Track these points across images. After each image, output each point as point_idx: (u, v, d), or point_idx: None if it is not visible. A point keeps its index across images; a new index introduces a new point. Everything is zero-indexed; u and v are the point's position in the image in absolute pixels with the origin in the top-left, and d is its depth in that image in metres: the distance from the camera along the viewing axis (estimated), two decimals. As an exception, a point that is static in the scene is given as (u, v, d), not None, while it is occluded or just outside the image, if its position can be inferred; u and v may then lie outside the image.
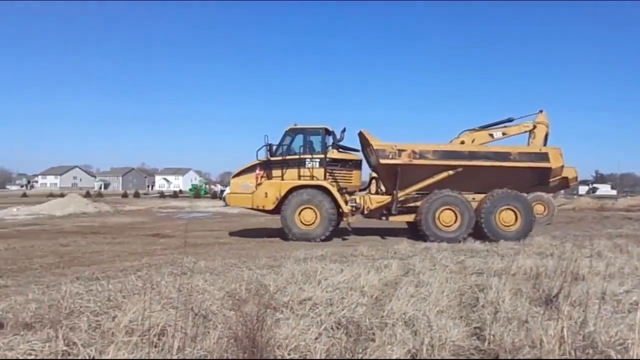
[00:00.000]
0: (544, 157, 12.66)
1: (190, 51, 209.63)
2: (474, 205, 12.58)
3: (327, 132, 13.09)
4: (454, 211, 12.32)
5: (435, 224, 12.23)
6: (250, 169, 13.07)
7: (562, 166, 13.18)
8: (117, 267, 7.87)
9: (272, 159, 12.83)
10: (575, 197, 51.79)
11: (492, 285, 5.76)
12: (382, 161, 12.35)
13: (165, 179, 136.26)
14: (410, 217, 13.03)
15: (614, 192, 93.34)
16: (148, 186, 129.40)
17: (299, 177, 12.75)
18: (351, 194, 13.37)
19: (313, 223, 12.42)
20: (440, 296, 5.21)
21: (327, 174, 12.85)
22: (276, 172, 12.82)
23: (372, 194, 13.84)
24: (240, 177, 13.34)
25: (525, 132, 20.36)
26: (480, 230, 12.33)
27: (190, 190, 61.29)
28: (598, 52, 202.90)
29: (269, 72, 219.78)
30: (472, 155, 12.53)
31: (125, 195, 56.46)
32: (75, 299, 5.02)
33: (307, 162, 12.78)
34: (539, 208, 19.55)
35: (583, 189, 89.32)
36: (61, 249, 10.27)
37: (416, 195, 13.01)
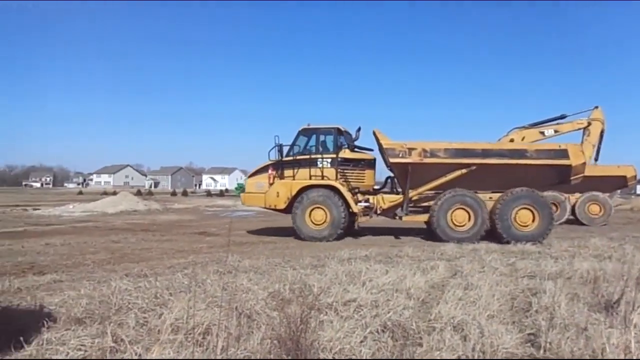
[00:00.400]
0: (564, 153, 12.02)
1: (237, 52, 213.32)
2: (490, 204, 12.17)
3: (340, 131, 13.04)
4: (467, 211, 11.98)
5: (447, 224, 11.95)
6: (264, 169, 13.20)
7: (584, 163, 12.50)
8: (165, 264, 8.03)
9: (284, 159, 12.87)
10: (633, 196, 49.16)
11: (546, 290, 5.47)
12: (392, 160, 12.18)
13: (211, 178, 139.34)
14: (424, 217, 12.76)
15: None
16: (195, 185, 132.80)
17: (310, 176, 12.72)
18: (364, 193, 13.23)
19: (323, 223, 12.39)
20: (490, 300, 4.99)
21: (339, 173, 12.75)
22: (288, 172, 12.87)
23: (385, 193, 13.60)
24: (254, 177, 13.53)
25: (579, 129, 19.57)
26: (494, 230, 11.96)
27: (236, 189, 62.26)
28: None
29: (314, 72, 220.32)
30: (486, 153, 12.07)
31: (174, 194, 58.15)
32: (124, 295, 5.13)
33: (318, 162, 12.74)
34: (594, 208, 18.67)
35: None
36: (112, 246, 10.61)
37: (430, 195, 12.70)
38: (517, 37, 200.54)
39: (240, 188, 62.59)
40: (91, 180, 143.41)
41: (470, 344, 3.72)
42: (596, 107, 19.55)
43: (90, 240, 11.40)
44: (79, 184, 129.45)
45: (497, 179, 12.26)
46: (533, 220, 11.87)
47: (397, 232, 14.07)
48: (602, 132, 19.39)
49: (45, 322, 4.06)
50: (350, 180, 12.91)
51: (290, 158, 12.87)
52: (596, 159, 19.46)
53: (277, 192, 12.73)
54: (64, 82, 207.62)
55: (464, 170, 12.04)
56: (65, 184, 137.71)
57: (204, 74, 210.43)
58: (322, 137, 13.08)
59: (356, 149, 13.47)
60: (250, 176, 13.95)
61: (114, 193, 36.05)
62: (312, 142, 13.01)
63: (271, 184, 12.93)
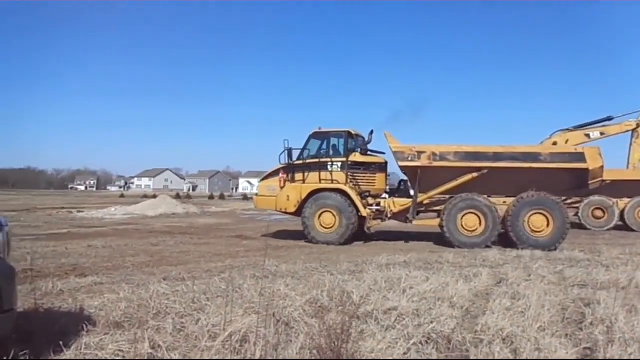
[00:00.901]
0: (580, 157, 11.50)
1: (280, 56, 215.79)
2: (504, 209, 11.77)
3: (350, 135, 12.93)
4: (477, 215, 11.62)
5: (457, 229, 11.63)
6: (276, 173, 13.30)
7: (602, 167, 11.92)
8: (203, 268, 8.05)
9: (295, 162, 12.89)
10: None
11: (600, 300, 5.15)
12: (401, 164, 12.03)
13: (248, 182, 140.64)
14: (434, 222, 12.48)
15: None
16: (232, 189, 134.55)
17: (320, 180, 12.68)
18: (375, 197, 13.07)
19: (333, 226, 12.30)
20: (540, 310, 4.70)
21: (349, 177, 12.66)
22: (299, 176, 12.92)
23: (397, 197, 13.35)
24: (267, 180, 13.66)
25: (627, 131, 18.72)
26: (507, 235, 11.56)
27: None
28: None
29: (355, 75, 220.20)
30: (498, 157, 11.68)
31: (211, 197, 59.04)
32: (162, 300, 5.12)
33: (328, 166, 12.68)
34: (643, 213, 17.74)
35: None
36: (151, 249, 10.75)
37: (442, 199, 12.41)
38: (533, 36, 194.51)
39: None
40: (132, 183, 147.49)
41: (521, 357, 3.49)
42: (646, 108, 18.65)
43: (130, 243, 11.59)
44: (120, 187, 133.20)
45: (511, 183, 11.94)
46: (547, 226, 11.42)
47: (409, 237, 13.78)
48: (653, 133, 18.48)
49: (85, 326, 4.07)
50: (360, 184, 12.86)
51: (301, 162, 12.91)
52: (647, 162, 18.57)
53: (288, 196, 12.80)
54: (107, 88, 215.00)
55: (475, 174, 11.79)
56: (108, 187, 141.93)
57: (244, 77, 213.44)
58: (332, 141, 13.08)
59: (369, 153, 13.41)
60: (262, 179, 14.12)
61: (154, 196, 36.83)
62: (324, 145, 13.04)
63: (282, 188, 13.03)
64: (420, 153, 11.87)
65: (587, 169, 11.50)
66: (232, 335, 3.84)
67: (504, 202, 12.11)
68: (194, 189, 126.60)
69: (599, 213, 18.01)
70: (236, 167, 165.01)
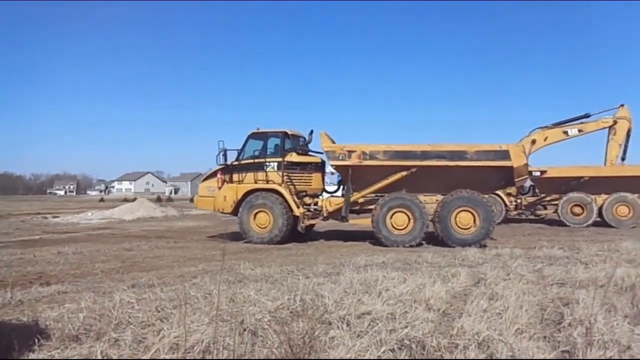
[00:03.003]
0: (505, 155, 11.57)
1: (260, 59, 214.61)
2: (434, 207, 11.98)
3: (287, 135, 12.98)
4: (406, 214, 11.72)
5: (387, 227, 11.76)
6: (215, 174, 13.50)
7: (526, 164, 12.17)
8: (175, 273, 7.76)
9: (233, 163, 13.01)
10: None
11: (579, 300, 5.05)
12: (332, 163, 12.15)
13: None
14: (367, 220, 12.49)
15: None
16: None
17: (256, 180, 12.79)
18: (313, 197, 13.22)
19: (267, 226, 12.40)
20: (518, 312, 4.56)
21: (285, 177, 12.72)
22: (236, 176, 13.00)
23: (334, 196, 13.54)
24: (207, 181, 13.90)
25: (604, 128, 18.91)
26: (436, 233, 11.77)
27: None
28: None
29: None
30: (425, 155, 11.75)
31: (192, 200, 58.28)
32: (125, 309, 4.86)
33: (265, 166, 12.76)
34: (622, 210, 17.90)
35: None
36: (124, 254, 10.42)
37: (375, 198, 12.48)
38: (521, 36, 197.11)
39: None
40: (113, 187, 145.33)
41: (497, 364, 3.34)
42: (622, 105, 18.87)
43: (103, 248, 11.22)
44: (101, 192, 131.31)
45: (440, 181, 12.14)
46: (474, 223, 11.59)
47: (350, 237, 13.73)
48: (629, 130, 18.70)
49: (37, 340, 3.80)
50: (296, 183, 12.95)
51: (238, 162, 12.99)
52: (623, 159, 18.78)
53: (225, 196, 12.93)
54: (87, 89, 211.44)
55: (404, 173, 11.84)
56: (88, 192, 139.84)
57: (225, 80, 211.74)
58: (270, 141, 13.12)
59: (310, 153, 13.49)
60: (203, 180, 14.34)
61: (134, 200, 36.21)
62: (261, 146, 13.09)
63: (220, 188, 13.10)
64: (350, 152, 11.95)
65: (511, 167, 11.60)
66: (194, 347, 3.64)
67: (436, 200, 12.33)
68: (175, 192, 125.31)
69: (577, 210, 18.13)
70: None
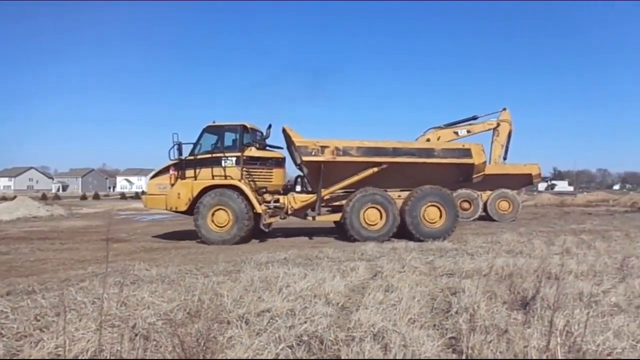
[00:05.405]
0: (467, 153, 12.59)
1: (158, 51, 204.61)
2: (400, 202, 12.46)
3: (246, 129, 12.46)
4: (378, 209, 12.13)
5: (360, 223, 12.02)
6: (166, 170, 12.52)
7: (485, 162, 13.22)
8: (60, 277, 7.13)
9: (187, 158, 12.22)
10: (536, 193, 53.04)
11: (465, 288, 5.41)
12: (305, 158, 11.95)
13: (127, 180, 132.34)
14: (336, 217, 12.69)
15: (571, 189, 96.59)
16: (109, 187, 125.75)
17: (213, 176, 12.12)
18: (274, 193, 12.84)
19: (226, 225, 11.79)
20: (411, 302, 4.79)
21: (244, 173, 12.21)
22: (190, 172, 12.17)
23: (296, 193, 13.33)
24: (157, 177, 12.86)
25: (489, 129, 20.57)
26: (405, 228, 12.19)
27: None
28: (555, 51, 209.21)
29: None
30: (396, 152, 12.28)
31: (84, 198, 54.25)
32: (-2, 319, 4.37)
33: (222, 161, 12.18)
34: (503, 205, 19.60)
35: (542, 186, 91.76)
36: None
37: (341, 194, 12.74)
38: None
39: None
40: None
41: (391, 354, 3.46)
42: (504, 109, 20.64)
43: (-27, 253, 10.05)
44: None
45: (406, 178, 12.54)
46: (440, 217, 12.25)
47: (311, 233, 13.86)
48: (509, 132, 20.50)
49: None
50: (256, 179, 12.41)
51: (193, 157, 12.20)
52: (505, 158, 20.56)
53: (178, 194, 12.03)
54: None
55: (375, 169, 12.14)
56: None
57: (121, 73, 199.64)
58: (227, 135, 12.47)
59: (267, 148, 13.03)
60: (153, 177, 13.18)
61: (14, 198, 32.92)
62: (217, 140, 12.43)
63: (173, 185, 12.24)
64: (323, 148, 11.87)
65: (472, 164, 12.45)
66: (78, 356, 3.36)
67: (399, 195, 12.62)
68: (64, 189, 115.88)
69: (465, 205, 19.50)
70: (113, 164, 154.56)
